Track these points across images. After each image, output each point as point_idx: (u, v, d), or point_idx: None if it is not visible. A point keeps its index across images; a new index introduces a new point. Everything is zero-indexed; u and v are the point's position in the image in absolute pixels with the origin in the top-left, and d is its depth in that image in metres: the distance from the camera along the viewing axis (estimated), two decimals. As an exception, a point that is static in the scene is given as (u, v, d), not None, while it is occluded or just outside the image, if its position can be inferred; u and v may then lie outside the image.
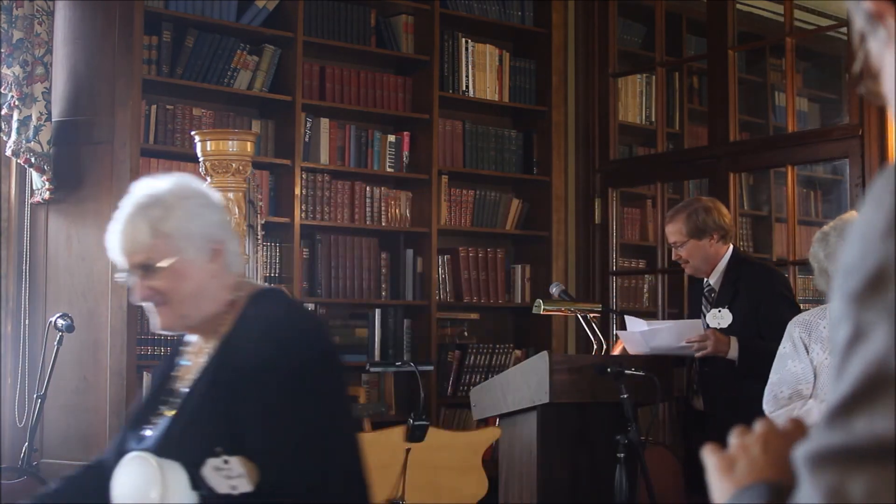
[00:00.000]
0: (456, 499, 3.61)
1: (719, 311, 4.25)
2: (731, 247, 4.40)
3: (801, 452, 0.92)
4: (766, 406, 3.49)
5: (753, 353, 4.04)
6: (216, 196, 2.25)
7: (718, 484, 1.17)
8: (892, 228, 0.89)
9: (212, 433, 2.03)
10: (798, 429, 1.18)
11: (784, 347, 3.49)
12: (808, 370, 3.41)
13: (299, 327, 2.18)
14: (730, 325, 4.23)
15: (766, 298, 4.23)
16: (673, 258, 4.54)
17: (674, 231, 4.38)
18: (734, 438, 1.20)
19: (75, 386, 4.76)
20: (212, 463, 1.98)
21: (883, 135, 4.82)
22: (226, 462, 1.98)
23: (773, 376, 3.50)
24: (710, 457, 1.19)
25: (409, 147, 5.76)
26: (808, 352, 3.42)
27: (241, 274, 2.26)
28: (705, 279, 4.41)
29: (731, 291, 4.29)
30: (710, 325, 4.29)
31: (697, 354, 4.15)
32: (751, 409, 3.70)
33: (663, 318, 5.73)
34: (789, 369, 3.44)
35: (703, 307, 4.40)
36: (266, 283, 2.34)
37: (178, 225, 2.13)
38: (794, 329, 3.47)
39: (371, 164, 5.63)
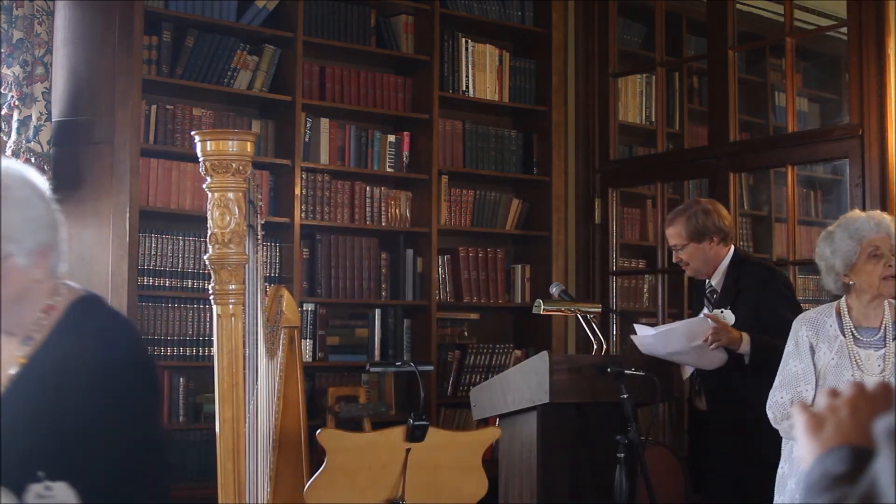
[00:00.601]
0: (456, 499, 3.61)
1: (721, 311, 4.24)
2: (733, 248, 4.39)
3: (880, 426, 0.99)
4: (769, 411, 3.47)
5: (764, 349, 4.02)
6: (45, 185, 2.06)
7: (806, 442, 1.23)
8: None
9: (33, 453, 1.85)
10: (886, 394, 1.24)
11: (788, 346, 3.48)
12: (808, 371, 3.39)
13: (124, 344, 2.04)
14: (732, 326, 4.22)
15: (765, 298, 4.22)
16: (673, 260, 4.53)
17: (673, 234, 4.37)
18: (825, 399, 1.27)
19: (75, 386, 4.76)
20: (34, 489, 1.81)
21: (883, 135, 4.82)
22: (48, 489, 1.80)
23: (777, 378, 3.48)
24: (799, 415, 1.26)
25: (409, 147, 5.76)
26: (813, 352, 3.40)
27: (63, 276, 2.09)
28: (707, 280, 4.41)
29: (733, 292, 4.28)
30: None
31: (711, 347, 4.08)
32: (752, 408, 3.70)
33: (664, 318, 5.73)
34: (790, 369, 3.43)
35: (704, 308, 4.39)
36: (83, 289, 2.20)
37: (4, 225, 1.95)
38: (801, 328, 3.45)
39: (371, 164, 5.63)
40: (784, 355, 3.48)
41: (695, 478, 4.49)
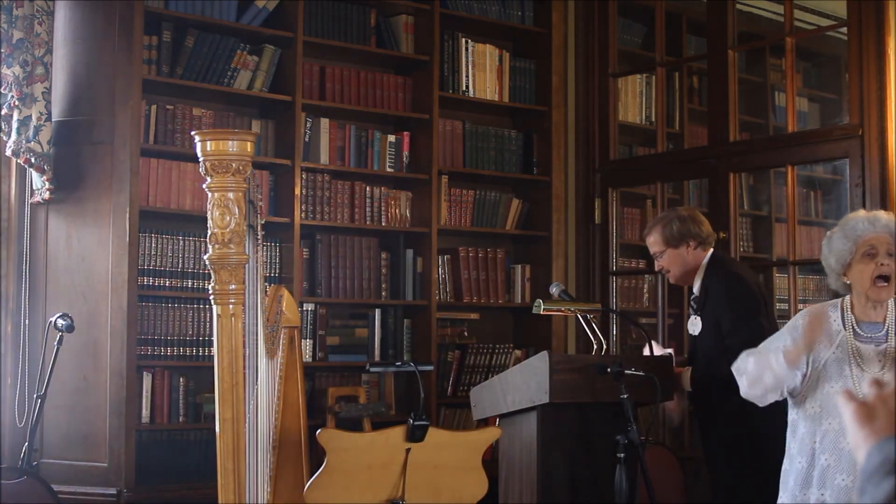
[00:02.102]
0: (456, 499, 3.61)
1: (695, 318, 4.34)
2: (710, 253, 4.42)
3: None
4: (743, 355, 3.47)
5: (704, 381, 4.21)
6: None
7: (857, 431, 1.29)
8: None
9: None
10: None
11: (786, 324, 3.49)
12: (794, 350, 3.38)
13: None
14: (700, 333, 4.30)
15: (721, 312, 4.27)
16: (656, 269, 4.61)
17: (652, 242, 4.48)
18: (872, 389, 1.33)
19: (75, 386, 4.77)
20: None
21: (883, 135, 4.82)
22: None
23: (763, 344, 3.49)
24: (847, 404, 1.31)
25: (409, 147, 5.76)
26: (804, 340, 3.39)
27: None
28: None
29: (703, 298, 4.35)
30: (690, 332, 4.37)
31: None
32: (750, 408, 3.69)
33: (664, 318, 5.74)
34: (777, 340, 3.43)
35: (691, 315, 4.45)
36: None
37: None
38: (804, 316, 3.44)
39: (371, 164, 5.63)
40: (781, 331, 3.49)
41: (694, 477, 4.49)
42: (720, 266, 4.43)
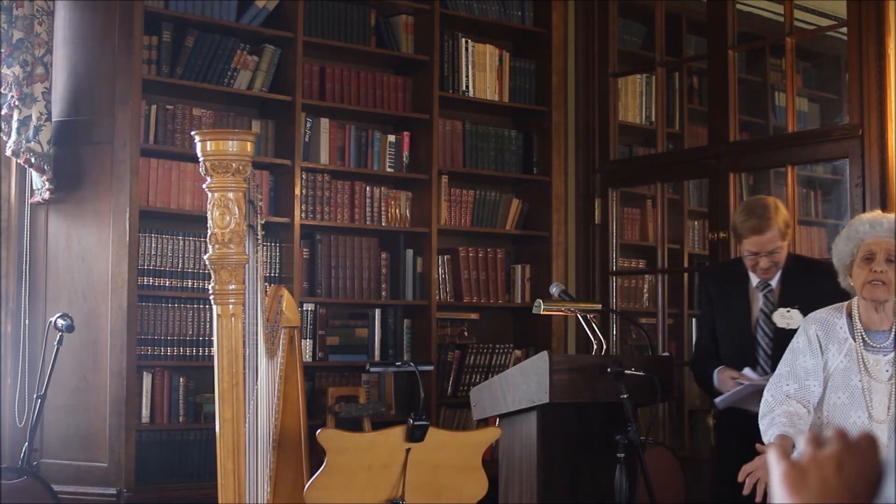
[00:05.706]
0: (456, 499, 3.61)
1: (788, 311, 4.09)
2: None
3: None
4: (767, 393, 3.46)
5: None
6: None
7: (786, 497, 1.12)
8: None
9: None
10: (871, 447, 1.14)
11: (797, 342, 3.45)
12: (818, 367, 3.38)
13: None
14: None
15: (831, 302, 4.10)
16: (763, 266, 4.15)
17: (771, 238, 4.11)
18: (807, 447, 1.15)
19: (75, 386, 4.77)
20: None
21: (883, 135, 4.82)
22: None
23: (783, 368, 3.46)
24: (777, 463, 1.15)
25: (409, 147, 5.76)
26: (822, 351, 3.39)
27: None
28: (756, 278, 4.20)
29: (798, 292, 4.13)
30: (779, 325, 4.11)
31: None
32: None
33: (664, 318, 5.73)
34: (801, 364, 3.41)
35: (762, 307, 4.19)
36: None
37: None
38: (811, 326, 3.43)
39: (371, 164, 5.63)
40: (793, 349, 3.45)
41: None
42: (808, 259, 4.36)
